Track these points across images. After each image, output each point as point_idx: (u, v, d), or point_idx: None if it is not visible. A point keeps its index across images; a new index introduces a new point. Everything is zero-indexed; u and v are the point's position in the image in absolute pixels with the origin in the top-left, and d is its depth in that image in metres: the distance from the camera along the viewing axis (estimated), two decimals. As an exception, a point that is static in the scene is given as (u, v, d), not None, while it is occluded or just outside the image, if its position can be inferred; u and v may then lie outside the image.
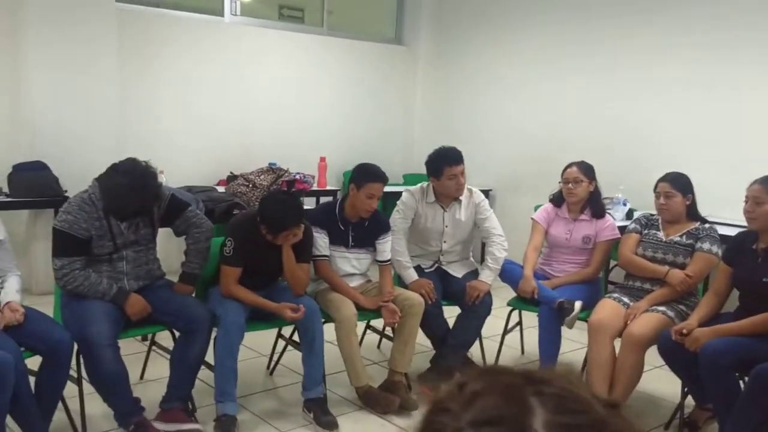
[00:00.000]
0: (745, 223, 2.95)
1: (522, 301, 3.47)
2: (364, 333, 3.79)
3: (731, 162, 4.54)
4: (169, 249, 4.21)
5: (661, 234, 3.25)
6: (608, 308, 3.14)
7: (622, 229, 3.51)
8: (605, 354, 3.04)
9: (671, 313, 3.05)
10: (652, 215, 3.36)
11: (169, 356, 2.95)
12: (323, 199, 5.47)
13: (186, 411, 2.88)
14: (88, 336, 2.60)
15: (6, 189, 4.52)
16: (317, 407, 3.02)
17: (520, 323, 3.79)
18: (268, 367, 3.63)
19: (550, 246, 3.59)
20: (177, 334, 2.98)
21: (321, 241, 3.25)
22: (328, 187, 5.87)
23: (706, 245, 3.11)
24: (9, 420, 2.44)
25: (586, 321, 3.20)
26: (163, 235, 3.25)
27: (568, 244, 3.51)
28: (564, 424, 0.52)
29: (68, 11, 4.71)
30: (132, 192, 2.71)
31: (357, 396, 3.22)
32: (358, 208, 3.25)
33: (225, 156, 5.67)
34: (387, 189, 3.47)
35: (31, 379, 2.54)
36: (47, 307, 2.95)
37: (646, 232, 3.31)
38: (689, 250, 3.15)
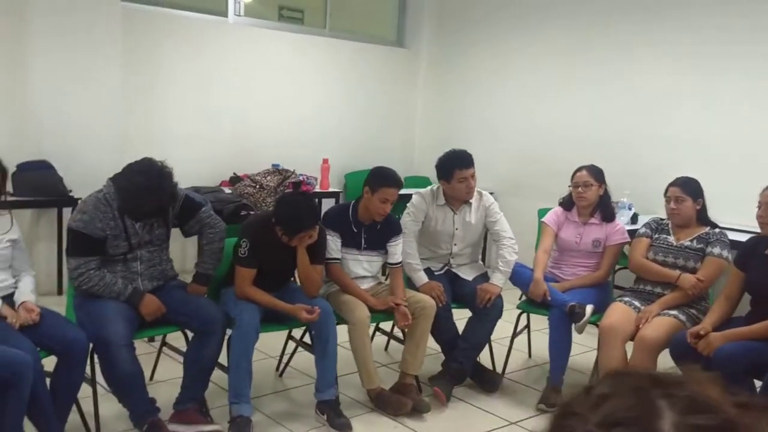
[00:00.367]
0: (754, 229, 2.98)
1: (532, 304, 3.49)
2: (373, 335, 3.79)
3: (740, 167, 4.57)
4: (185, 249, 4.19)
5: (671, 238, 3.28)
6: (619, 312, 3.16)
7: (629, 234, 3.55)
8: (617, 358, 3.05)
9: (683, 317, 3.08)
10: (662, 219, 3.39)
11: (179, 357, 2.93)
12: (326, 201, 5.47)
13: (201, 412, 2.87)
14: (105, 336, 2.59)
15: (10, 188, 4.48)
16: (330, 409, 3.02)
17: (528, 326, 3.80)
18: (277, 369, 3.62)
19: (559, 249, 3.60)
20: (189, 334, 2.97)
21: (333, 243, 3.24)
22: (330, 189, 5.88)
23: (716, 250, 3.14)
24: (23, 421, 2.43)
25: (596, 325, 3.22)
26: (175, 235, 3.23)
27: (578, 248, 3.53)
28: (693, 426, 0.53)
29: (73, 9, 4.68)
30: (148, 192, 2.70)
31: (368, 398, 3.22)
32: (372, 211, 3.25)
33: (227, 157, 5.65)
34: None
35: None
36: (51, 307, 2.92)
37: (656, 236, 3.33)
38: (700, 254, 3.18)
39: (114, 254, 2.78)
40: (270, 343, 3.61)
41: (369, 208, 3.25)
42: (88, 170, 4.58)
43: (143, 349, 3.55)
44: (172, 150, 5.26)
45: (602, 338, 3.11)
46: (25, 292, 2.64)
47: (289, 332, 3.43)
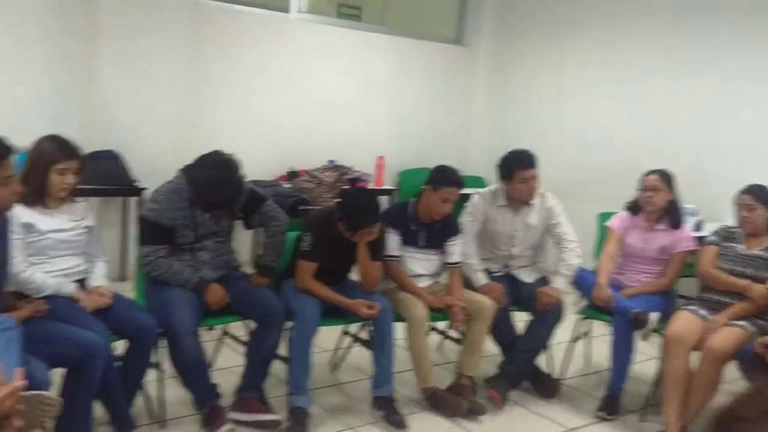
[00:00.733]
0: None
1: (595, 310, 3.42)
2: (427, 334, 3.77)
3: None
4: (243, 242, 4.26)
5: (741, 247, 3.17)
6: (685, 321, 3.07)
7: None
8: (681, 367, 2.97)
9: (752, 328, 2.97)
10: (731, 227, 3.28)
11: (238, 346, 2.98)
12: (380, 199, 5.48)
13: (262, 401, 2.91)
14: (173, 323, 2.66)
15: (79, 176, 4.64)
16: (386, 405, 3.03)
17: (587, 332, 3.73)
18: (330, 363, 3.64)
19: (623, 255, 3.51)
20: (251, 325, 3.02)
21: (392, 241, 3.25)
22: (385, 187, 5.89)
23: (790, 260, 3.02)
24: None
25: (660, 333, 3.14)
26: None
27: (644, 254, 3.44)
28: None
29: (143, 3, 4.81)
30: (219, 184, 2.76)
31: (423, 397, 3.21)
32: (432, 210, 3.24)
33: (284, 152, 5.71)
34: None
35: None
36: (120, 293, 3.01)
37: (725, 244, 3.23)
38: (771, 264, 3.07)
39: (182, 243, 2.85)
40: (322, 336, 3.64)
41: (429, 206, 3.24)
42: (153, 161, 4.72)
43: (204, 337, 3.63)
44: (231, 143, 5.38)
45: (667, 347, 3.03)
46: (99, 278, 2.73)
47: (345, 327, 3.45)
